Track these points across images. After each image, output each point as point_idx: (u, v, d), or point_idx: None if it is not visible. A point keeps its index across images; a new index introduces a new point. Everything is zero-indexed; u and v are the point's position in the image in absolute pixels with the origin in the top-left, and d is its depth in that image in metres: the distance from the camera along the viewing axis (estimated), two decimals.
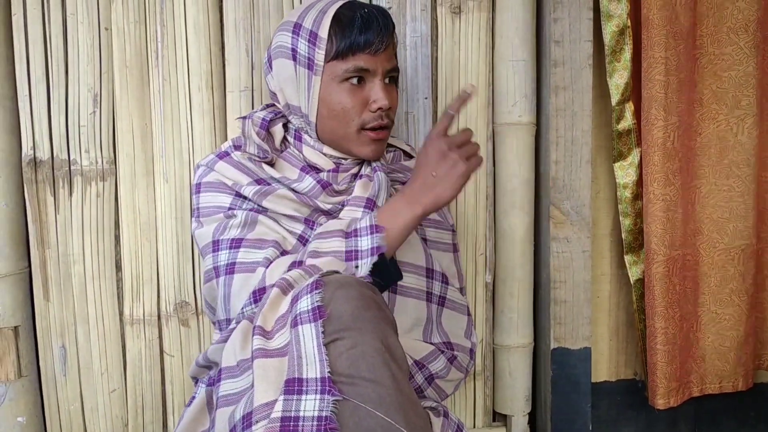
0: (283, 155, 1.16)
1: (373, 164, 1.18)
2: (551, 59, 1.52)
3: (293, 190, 1.11)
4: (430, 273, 1.19)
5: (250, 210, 1.10)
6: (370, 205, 1.12)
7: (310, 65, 1.08)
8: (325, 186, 1.12)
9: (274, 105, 1.20)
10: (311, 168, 1.15)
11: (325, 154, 1.16)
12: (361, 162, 1.19)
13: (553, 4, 1.50)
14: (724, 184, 1.58)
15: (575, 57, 1.52)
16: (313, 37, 1.08)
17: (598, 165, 1.64)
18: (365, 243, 1.02)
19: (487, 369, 1.61)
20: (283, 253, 1.05)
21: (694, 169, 1.59)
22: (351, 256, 1.01)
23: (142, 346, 1.49)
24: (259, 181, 1.12)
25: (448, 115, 1.09)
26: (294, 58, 1.10)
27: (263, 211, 1.11)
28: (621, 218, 1.60)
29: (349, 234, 1.04)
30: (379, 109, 1.12)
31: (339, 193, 1.14)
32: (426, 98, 1.54)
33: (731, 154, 1.57)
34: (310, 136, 1.15)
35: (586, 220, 1.55)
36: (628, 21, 1.53)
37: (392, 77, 1.17)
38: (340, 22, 1.09)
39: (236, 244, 1.05)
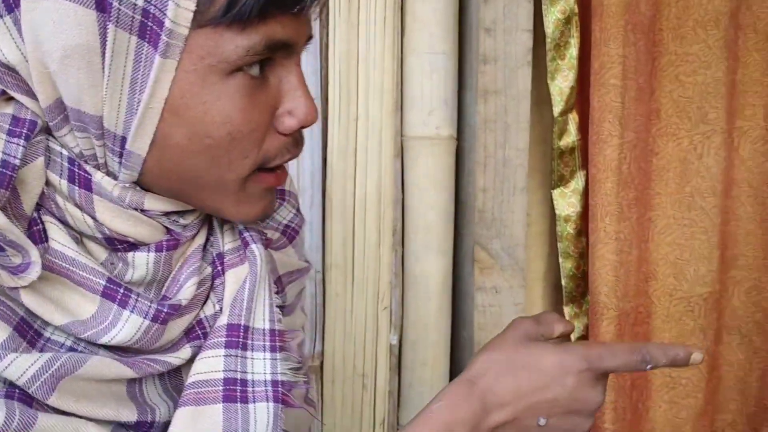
0: (49, 252, 0.52)
1: (237, 224, 0.63)
2: (479, 53, 1.15)
3: (108, 348, 0.54)
4: None
5: (8, 397, 0.49)
6: (235, 340, 0.57)
7: (149, 33, 0.48)
8: (166, 318, 0.55)
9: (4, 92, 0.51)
10: (115, 243, 0.54)
11: (146, 212, 0.55)
12: (207, 218, 0.62)
13: None
14: (685, 218, 1.28)
15: (510, 51, 1.16)
16: None
17: (530, 191, 1.29)
18: None
19: None
20: None
21: (649, 198, 1.28)
22: None
23: None
24: (21, 331, 0.50)
25: (638, 362, 0.59)
26: (101, 7, 0.47)
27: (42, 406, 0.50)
28: (561, 260, 1.26)
29: None
30: (301, 127, 0.57)
31: (185, 309, 0.57)
32: (314, 99, 1.14)
33: (694, 180, 1.27)
34: (115, 176, 0.53)
35: (521, 265, 1.20)
36: (576, 6, 1.19)
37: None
38: None
39: None
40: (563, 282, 1.28)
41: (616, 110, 1.19)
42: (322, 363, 1.20)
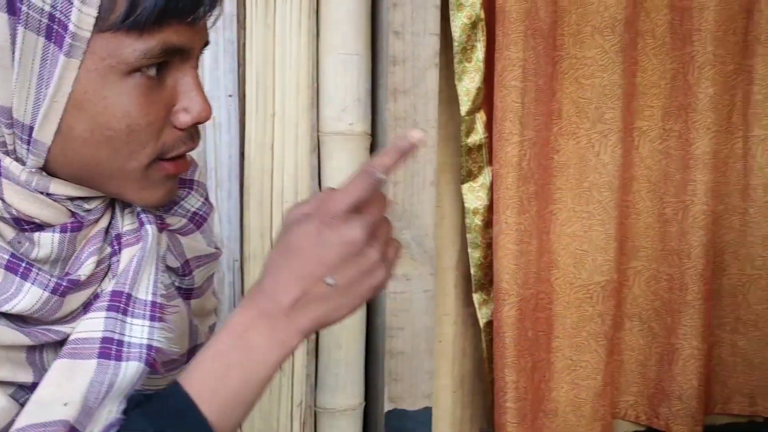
0: None
1: (136, 207, 0.67)
2: (389, 55, 1.22)
3: (9, 318, 0.58)
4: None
5: None
6: (116, 305, 0.62)
7: (54, 35, 0.54)
8: (65, 291, 0.60)
9: None
10: (22, 223, 0.59)
11: (52, 196, 0.60)
12: (111, 203, 0.66)
13: None
14: (584, 211, 1.36)
15: (419, 53, 1.23)
16: None
17: (443, 185, 1.36)
18: None
19: None
20: None
21: (550, 193, 1.36)
22: None
23: None
24: None
25: (373, 179, 0.58)
26: (12, 11, 0.53)
27: None
28: (470, 250, 1.34)
29: None
30: (196, 123, 0.62)
31: (83, 285, 0.63)
32: (230, 96, 1.20)
33: (592, 175, 1.36)
34: (23, 161, 0.59)
35: (430, 254, 1.27)
36: (482, 12, 1.26)
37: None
38: None
39: None
40: (472, 271, 1.35)
41: (517, 110, 1.26)
42: None
